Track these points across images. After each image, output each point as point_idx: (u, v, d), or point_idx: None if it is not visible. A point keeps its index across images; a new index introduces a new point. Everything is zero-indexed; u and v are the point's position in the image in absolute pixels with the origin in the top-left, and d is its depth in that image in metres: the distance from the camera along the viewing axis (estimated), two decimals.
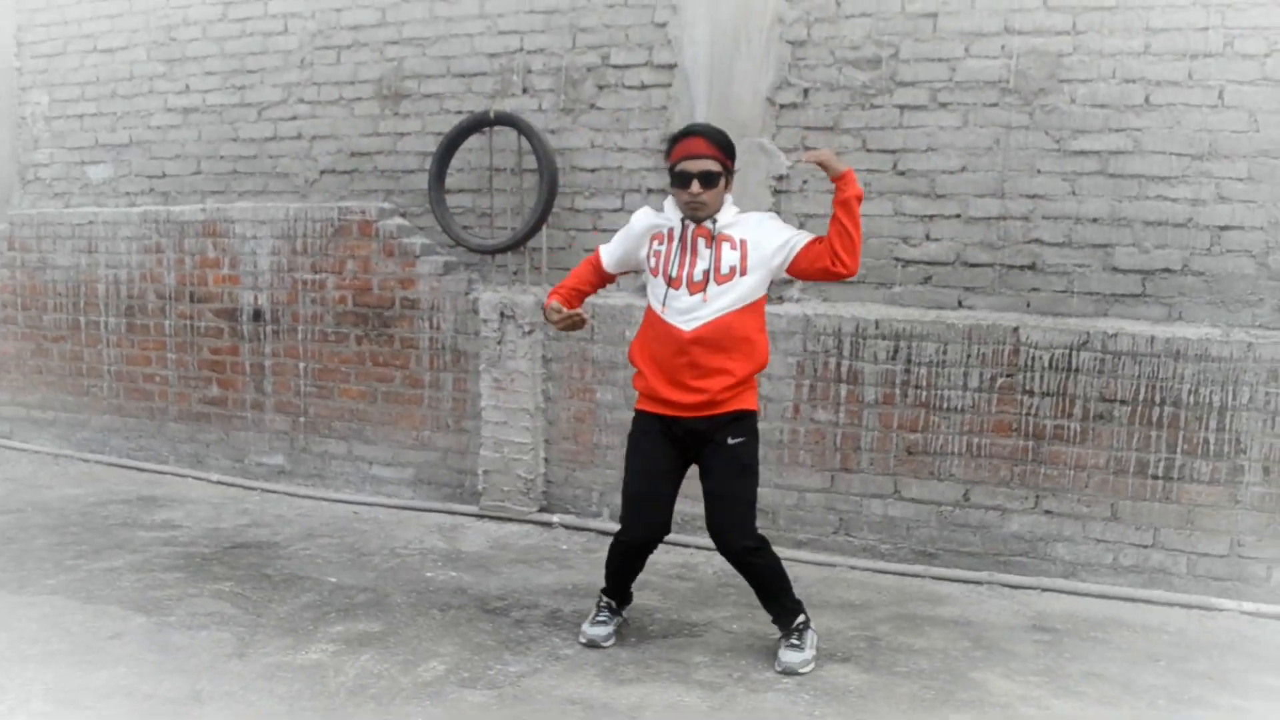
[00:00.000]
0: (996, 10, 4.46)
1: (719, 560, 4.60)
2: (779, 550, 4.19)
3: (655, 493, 3.60)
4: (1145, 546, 4.31)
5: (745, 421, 3.55)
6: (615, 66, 5.07)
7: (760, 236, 3.50)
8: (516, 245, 5.07)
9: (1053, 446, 4.40)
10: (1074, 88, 4.39)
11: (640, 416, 3.64)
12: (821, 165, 3.44)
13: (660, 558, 4.68)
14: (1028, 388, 4.41)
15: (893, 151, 4.65)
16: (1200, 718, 3.28)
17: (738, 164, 3.68)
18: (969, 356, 4.47)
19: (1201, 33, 4.20)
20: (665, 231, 3.55)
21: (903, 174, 4.63)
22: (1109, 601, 4.25)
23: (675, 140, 3.51)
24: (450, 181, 5.31)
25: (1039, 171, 4.46)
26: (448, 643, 3.73)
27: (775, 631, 3.77)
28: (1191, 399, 4.22)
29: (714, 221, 3.49)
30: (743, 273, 3.47)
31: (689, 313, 3.46)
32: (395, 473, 5.50)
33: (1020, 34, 4.43)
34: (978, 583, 4.44)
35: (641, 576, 4.23)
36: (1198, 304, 4.31)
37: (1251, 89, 4.17)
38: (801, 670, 3.51)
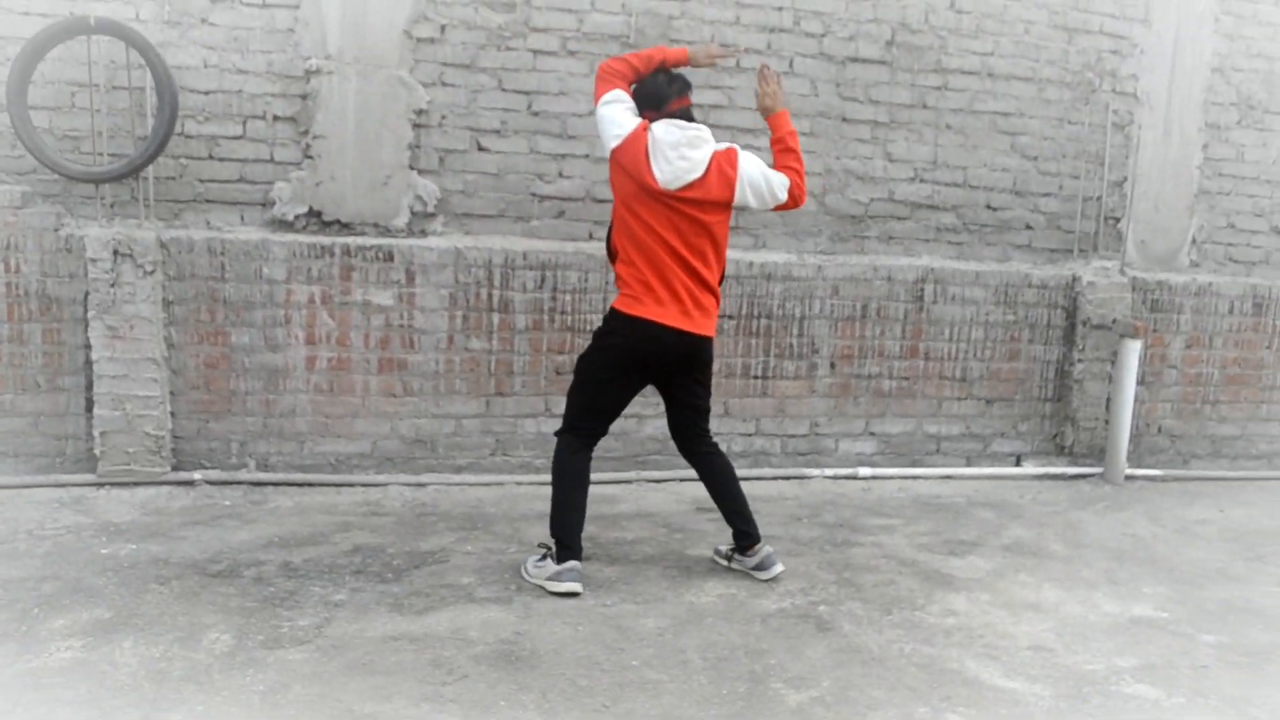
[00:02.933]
0: None
1: (400, 492, 4.85)
2: (442, 475, 5.03)
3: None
4: (750, 434, 5.43)
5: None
6: None
7: None
8: (133, 173, 4.58)
9: None
10: None
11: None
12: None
13: (339, 499, 4.76)
14: None
15: (527, 93, 5.09)
16: (860, 552, 4.42)
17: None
18: (606, 283, 5.15)
19: (778, 11, 5.27)
20: None
21: (537, 114, 5.11)
22: None
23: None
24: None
25: None
26: (204, 613, 3.54)
27: (510, 548, 4.21)
28: (780, 311, 5.37)
29: None
30: None
31: None
32: None
33: None
34: (628, 481, 5.22)
35: (339, 519, 4.30)
36: (776, 235, 5.45)
37: (813, 61, 5.36)
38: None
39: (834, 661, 3.42)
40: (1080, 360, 5.78)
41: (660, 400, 5.26)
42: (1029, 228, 5.80)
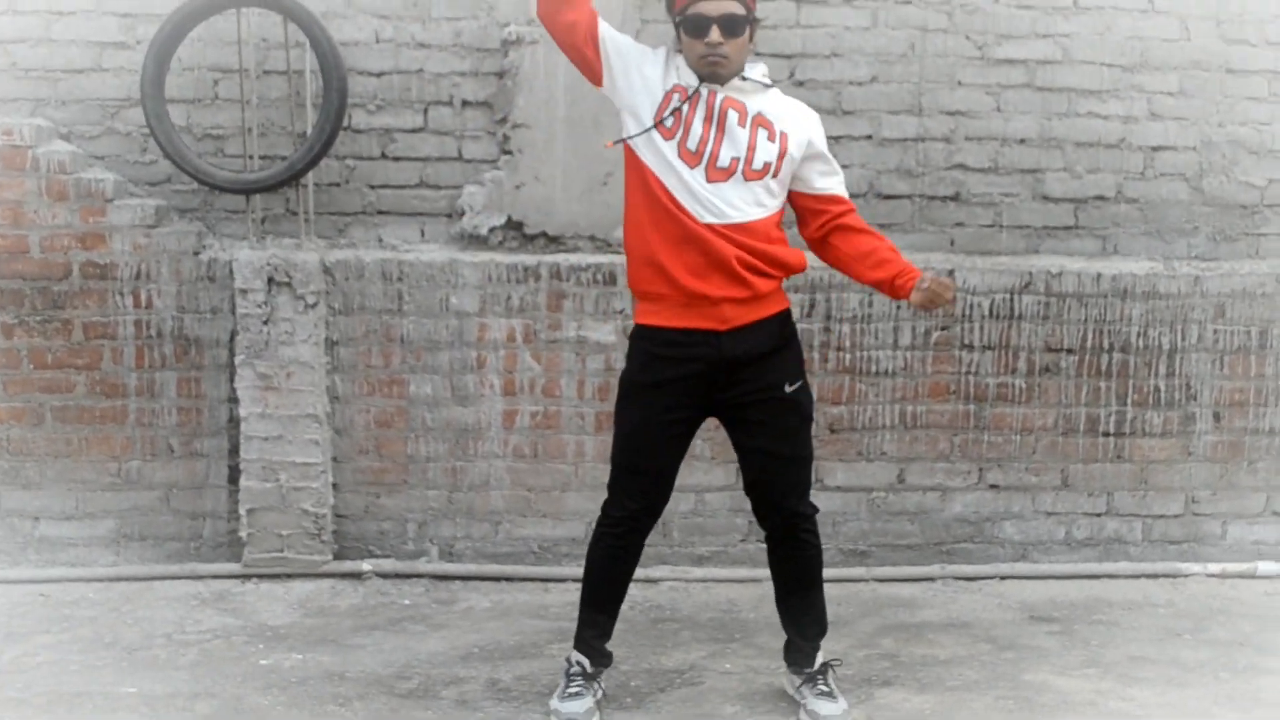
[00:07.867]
0: None
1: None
2: (678, 569, 5.24)
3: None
4: (1099, 515, 5.37)
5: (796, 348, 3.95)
6: None
7: (801, 134, 3.79)
8: (292, 179, 4.95)
9: (996, 409, 5.30)
10: None
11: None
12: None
13: (549, 599, 4.94)
14: (966, 341, 5.26)
15: (789, 56, 5.25)
16: (1273, 684, 4.30)
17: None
18: (898, 309, 5.21)
19: None
20: (690, 90, 3.68)
21: (802, 83, 5.25)
22: (1075, 581, 5.27)
23: None
24: None
25: (960, 83, 5.31)
26: None
27: (780, 666, 4.27)
28: (1140, 342, 5.31)
29: (744, 79, 3.73)
30: (775, 173, 3.74)
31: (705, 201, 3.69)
32: (81, 529, 5.14)
33: None
34: (930, 579, 5.25)
35: (552, 625, 4.44)
36: (1132, 234, 5.41)
37: None
38: None
39: None
40: None
41: (967, 466, 5.32)
42: None
